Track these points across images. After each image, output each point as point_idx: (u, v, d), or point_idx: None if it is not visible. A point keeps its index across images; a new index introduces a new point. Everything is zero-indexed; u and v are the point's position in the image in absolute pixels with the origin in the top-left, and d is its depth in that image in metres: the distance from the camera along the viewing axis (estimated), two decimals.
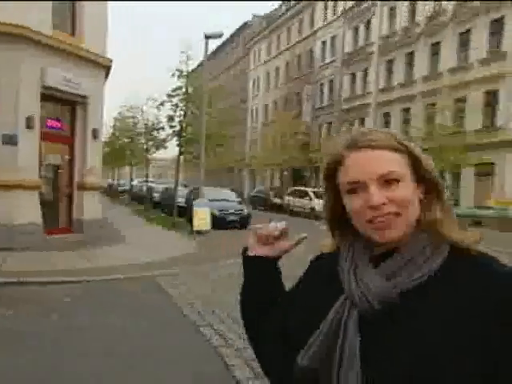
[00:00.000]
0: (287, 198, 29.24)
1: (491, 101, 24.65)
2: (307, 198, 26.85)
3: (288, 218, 24.95)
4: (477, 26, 25.17)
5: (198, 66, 27.20)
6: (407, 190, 0.83)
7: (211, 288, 7.74)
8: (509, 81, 23.26)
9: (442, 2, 27.51)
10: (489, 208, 23.34)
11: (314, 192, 27.60)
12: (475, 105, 24.92)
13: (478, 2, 25.01)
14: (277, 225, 1.04)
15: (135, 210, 24.06)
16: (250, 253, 1.06)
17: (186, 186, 27.32)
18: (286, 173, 40.42)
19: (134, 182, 36.35)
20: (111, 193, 37.81)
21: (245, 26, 52.05)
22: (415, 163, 0.86)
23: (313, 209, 25.54)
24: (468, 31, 25.75)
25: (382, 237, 0.83)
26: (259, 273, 1.05)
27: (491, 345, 0.74)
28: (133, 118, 27.94)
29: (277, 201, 30.56)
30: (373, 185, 0.82)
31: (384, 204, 0.81)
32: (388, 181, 0.82)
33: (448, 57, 27.08)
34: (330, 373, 0.81)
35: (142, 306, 6.63)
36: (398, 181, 0.83)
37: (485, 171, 24.08)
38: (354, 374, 0.77)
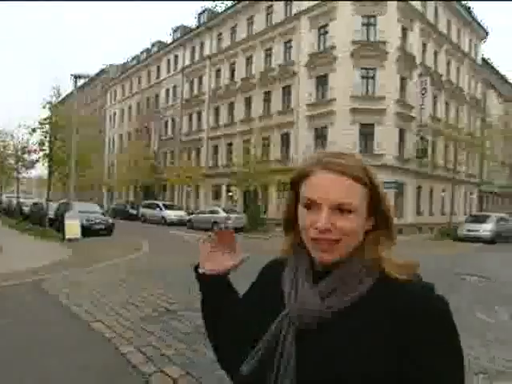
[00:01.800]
0: (142, 210, 30.35)
1: (285, 140, 28.27)
2: (158, 209, 28.30)
3: (144, 225, 26.73)
4: (275, 88, 29.12)
5: (63, 99, 27.67)
6: (356, 221, 0.78)
7: (93, 289, 7.20)
8: (296, 127, 27.27)
9: (253, 70, 31.16)
10: None
11: (164, 204, 29.26)
12: (276, 142, 28.61)
13: (275, 72, 29.10)
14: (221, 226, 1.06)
15: (6, 223, 22.41)
16: (201, 269, 1.01)
17: (51, 201, 26.91)
18: (138, 189, 41.25)
19: (3, 198, 34.00)
20: None
21: (102, 71, 52.06)
22: (374, 197, 0.81)
23: (163, 217, 27.20)
24: (269, 92, 29.71)
25: (320, 257, 0.80)
26: (210, 288, 1.00)
27: (400, 360, 0.75)
28: (2, 141, 26.57)
29: (133, 212, 31.57)
30: (325, 209, 0.77)
31: (329, 230, 0.77)
32: (341, 209, 0.77)
33: (257, 107, 30.49)
34: (268, 378, 0.80)
35: (28, 309, 5.92)
36: (350, 211, 0.78)
37: (283, 188, 26.62)
38: (288, 381, 0.77)
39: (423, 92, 26.95)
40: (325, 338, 0.79)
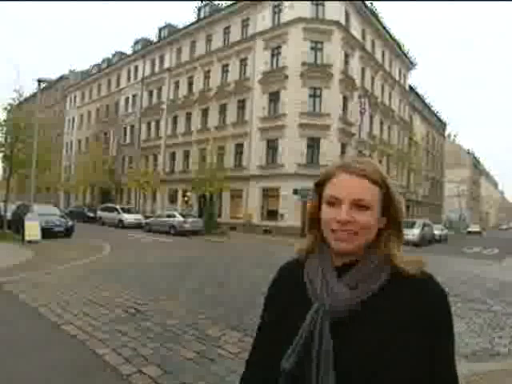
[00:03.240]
0: (100, 212, 28.47)
1: (239, 149, 28.14)
2: (116, 212, 26.78)
3: (102, 227, 25.14)
4: (230, 102, 29.08)
5: (21, 102, 25.54)
6: (371, 217, 0.82)
7: (58, 290, 6.62)
8: (249, 138, 27.19)
9: (210, 84, 30.98)
10: (239, 218, 26.90)
11: (121, 208, 27.74)
12: (230, 151, 28.46)
13: (231, 86, 29.07)
14: None
15: None
16: None
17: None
18: (96, 192, 39.55)
19: None
20: None
21: (62, 77, 49.13)
22: (387, 199, 0.84)
23: (121, 220, 25.89)
24: (225, 104, 29.51)
25: (340, 247, 0.82)
26: None
27: (422, 343, 0.78)
28: None
29: (91, 214, 29.65)
30: (346, 204, 0.81)
31: (349, 222, 0.80)
32: (359, 205, 0.81)
33: (213, 118, 30.13)
34: (309, 371, 0.78)
35: None
36: (367, 208, 0.81)
37: (237, 194, 27.33)
38: (329, 371, 0.76)
39: (362, 111, 27.98)
40: (356, 329, 0.80)
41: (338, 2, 25.74)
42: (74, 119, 48.93)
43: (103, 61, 45.95)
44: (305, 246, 0.95)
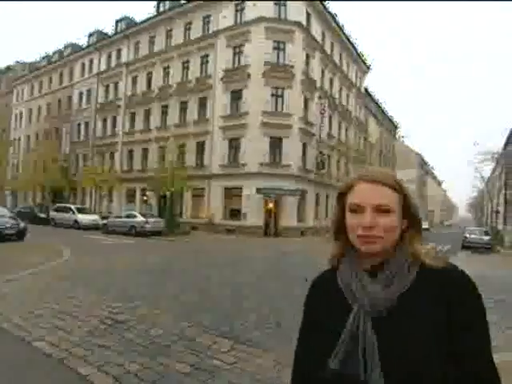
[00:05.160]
0: (52, 213, 26.70)
1: (200, 148, 27.56)
2: (71, 212, 25.31)
3: (56, 229, 23.47)
4: (191, 99, 28.42)
5: None
6: (393, 220, 0.88)
7: (19, 300, 5.95)
8: (210, 137, 26.68)
9: (170, 80, 30.07)
10: (200, 218, 26.45)
11: (77, 208, 26.23)
12: (191, 150, 27.79)
13: (192, 84, 28.40)
14: None
15: None
16: None
17: None
18: (46, 192, 37.02)
19: None
20: None
21: (8, 69, 45.87)
22: (405, 202, 0.91)
23: (76, 221, 24.50)
24: (186, 102, 28.81)
25: (366, 248, 0.89)
26: None
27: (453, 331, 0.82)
28: None
29: (42, 215, 27.84)
30: (369, 210, 0.88)
31: (373, 226, 0.87)
32: (381, 210, 0.88)
33: (173, 115, 29.35)
34: (356, 368, 0.83)
35: None
36: (388, 212, 0.88)
37: (198, 193, 26.78)
38: (376, 367, 0.81)
39: (322, 112, 28.49)
40: (395, 324, 0.85)
41: (299, 2, 25.94)
42: (21, 114, 45.71)
43: (54, 53, 43.29)
44: (335, 253, 1.01)
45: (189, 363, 3.77)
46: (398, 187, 0.91)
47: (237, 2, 26.73)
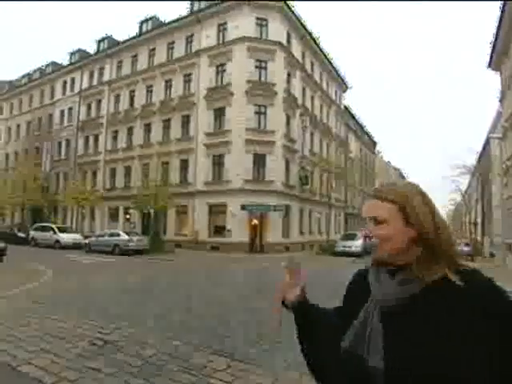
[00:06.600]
0: (32, 233, 25.86)
1: (184, 165, 27.38)
2: (52, 231, 24.51)
3: (36, 249, 22.69)
4: (174, 117, 28.37)
5: None
6: (388, 229, 0.95)
7: (3, 323, 5.68)
8: (194, 154, 26.58)
9: (153, 98, 30.15)
10: (184, 235, 26.19)
11: (57, 227, 25.50)
12: (175, 167, 27.65)
13: (175, 102, 28.39)
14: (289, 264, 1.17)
15: None
16: (287, 303, 1.14)
17: None
18: (26, 211, 36.16)
19: None
20: None
21: None
22: (405, 212, 0.96)
23: (58, 241, 23.75)
24: (169, 120, 28.70)
25: (373, 256, 1.00)
26: (303, 311, 1.13)
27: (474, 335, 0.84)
28: None
29: (21, 235, 26.94)
30: (368, 222, 1.00)
31: (371, 236, 0.98)
32: (377, 221, 0.97)
33: (157, 133, 29.18)
34: (362, 349, 0.93)
35: None
36: (382, 222, 0.96)
37: (182, 210, 26.54)
38: (379, 350, 0.90)
39: (304, 129, 28.90)
40: (405, 319, 0.91)
41: (280, 23, 26.55)
42: (0, 132, 44.82)
43: (35, 71, 42.72)
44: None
45: (185, 383, 3.63)
46: (396, 199, 0.97)
47: (220, 21, 27.13)
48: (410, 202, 0.97)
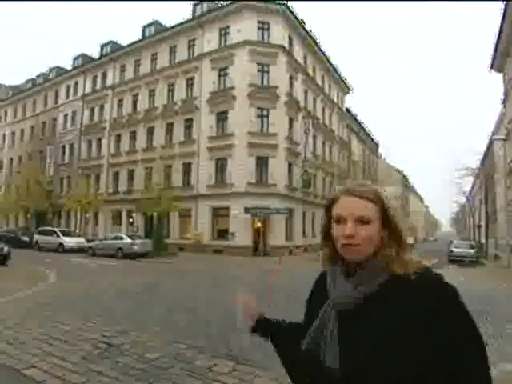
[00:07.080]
0: (36, 237, 25.72)
1: (187, 169, 27.49)
2: (55, 235, 24.44)
3: (40, 253, 22.58)
4: (177, 121, 28.48)
5: None
6: (371, 230, 0.97)
7: (5, 326, 5.70)
8: (196, 158, 26.75)
9: (156, 102, 30.03)
10: (188, 238, 26.13)
11: (61, 231, 25.52)
12: (177, 170, 27.68)
13: (178, 106, 28.59)
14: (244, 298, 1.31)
15: None
16: (253, 325, 1.29)
17: None
18: (30, 215, 36.16)
19: None
20: None
21: None
22: (384, 213, 0.99)
23: (61, 245, 23.68)
24: (172, 123, 28.85)
25: (348, 256, 0.99)
26: (267, 333, 1.26)
27: (419, 339, 0.87)
28: None
29: (25, 239, 26.75)
30: (350, 221, 0.97)
31: (353, 236, 0.96)
32: (362, 221, 0.96)
33: (159, 137, 29.30)
34: (320, 347, 0.99)
35: None
36: (367, 222, 0.96)
37: (186, 214, 26.49)
38: (335, 347, 0.96)
39: (306, 132, 28.88)
40: (359, 319, 0.96)
41: (281, 27, 26.62)
42: (4, 137, 45.05)
43: (39, 76, 43.05)
44: (324, 257, 1.12)
45: None
46: (376, 200, 0.99)
47: (222, 25, 27.25)
48: (388, 204, 1.01)
